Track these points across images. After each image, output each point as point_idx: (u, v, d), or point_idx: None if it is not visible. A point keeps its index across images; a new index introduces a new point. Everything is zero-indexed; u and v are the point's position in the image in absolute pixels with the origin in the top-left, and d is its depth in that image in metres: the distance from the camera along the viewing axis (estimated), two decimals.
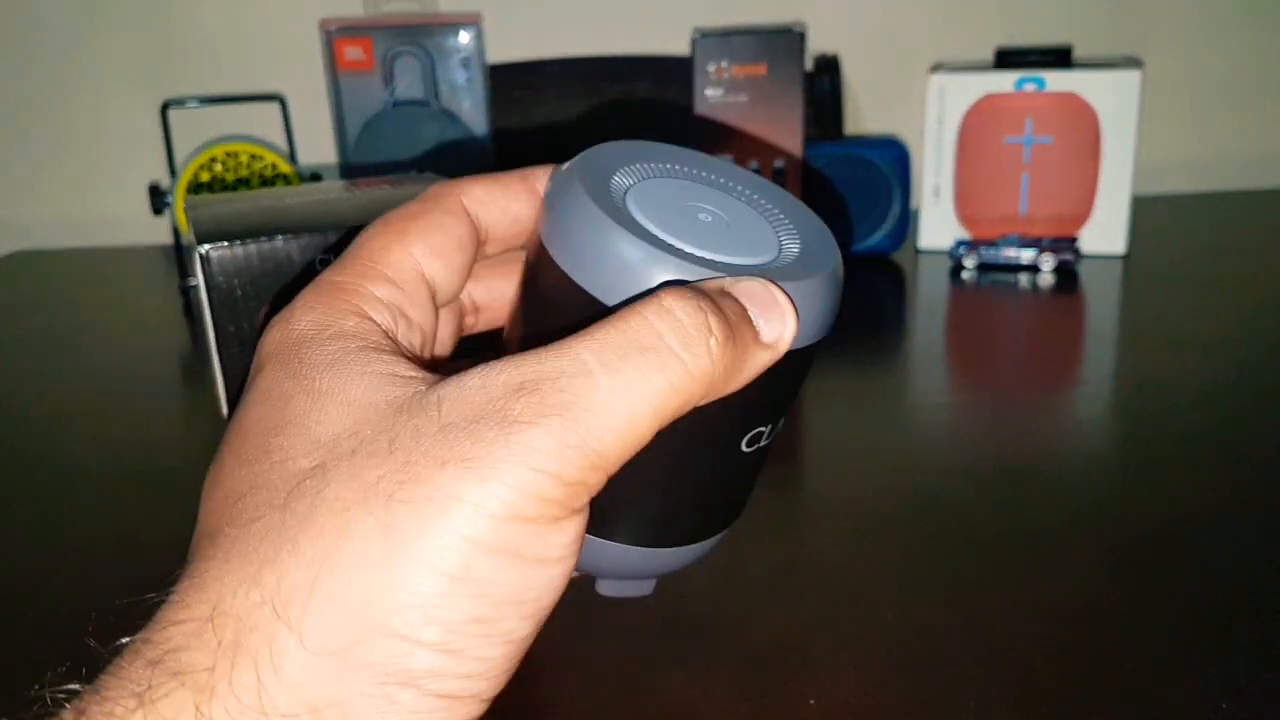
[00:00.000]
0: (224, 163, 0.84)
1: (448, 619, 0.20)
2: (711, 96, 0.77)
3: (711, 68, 0.77)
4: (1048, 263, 0.78)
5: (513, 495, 0.19)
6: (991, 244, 0.79)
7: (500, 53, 0.92)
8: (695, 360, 0.21)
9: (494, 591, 0.20)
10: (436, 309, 0.26)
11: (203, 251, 0.33)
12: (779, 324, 0.23)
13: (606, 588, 0.28)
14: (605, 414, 0.20)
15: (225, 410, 0.35)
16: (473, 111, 0.86)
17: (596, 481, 0.21)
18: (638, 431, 0.21)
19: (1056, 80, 0.79)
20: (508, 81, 0.93)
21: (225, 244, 0.33)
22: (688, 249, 0.24)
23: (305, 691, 0.19)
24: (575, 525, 0.21)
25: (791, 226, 0.27)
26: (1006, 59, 0.81)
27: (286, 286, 0.34)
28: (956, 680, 0.35)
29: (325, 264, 0.35)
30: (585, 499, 0.21)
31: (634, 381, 0.21)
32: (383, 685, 0.19)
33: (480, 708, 0.21)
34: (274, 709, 0.19)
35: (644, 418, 0.21)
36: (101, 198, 1.00)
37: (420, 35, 0.84)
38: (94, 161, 1.00)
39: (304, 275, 0.34)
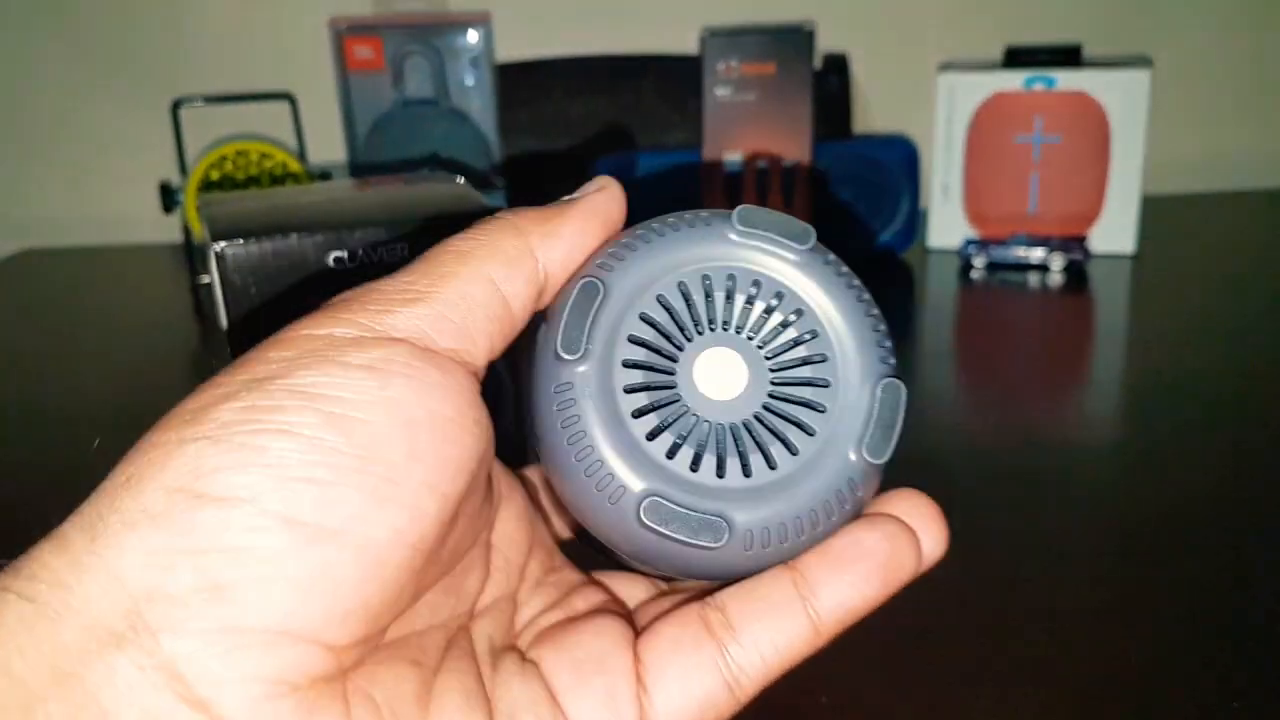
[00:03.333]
0: (234, 161, 0.84)
1: None
2: (720, 95, 0.77)
3: (720, 66, 0.77)
4: (1057, 262, 0.78)
5: None
6: (1001, 243, 0.79)
7: (509, 52, 0.92)
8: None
9: None
10: None
11: (218, 249, 0.33)
12: None
13: None
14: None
15: None
16: (482, 110, 0.86)
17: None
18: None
19: (1066, 79, 0.79)
20: (517, 80, 0.93)
21: (240, 241, 0.33)
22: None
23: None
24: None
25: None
26: (1016, 58, 0.81)
27: (300, 284, 0.34)
28: (966, 680, 0.35)
29: (340, 262, 0.35)
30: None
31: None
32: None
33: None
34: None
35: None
36: (111, 196, 1.01)
37: (430, 34, 0.85)
38: (104, 160, 1.00)
39: (318, 273, 0.34)
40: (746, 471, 0.24)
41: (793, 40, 0.76)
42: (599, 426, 0.24)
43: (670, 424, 0.24)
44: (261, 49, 0.97)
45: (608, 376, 0.24)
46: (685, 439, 0.24)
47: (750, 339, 0.25)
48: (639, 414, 0.24)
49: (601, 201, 0.25)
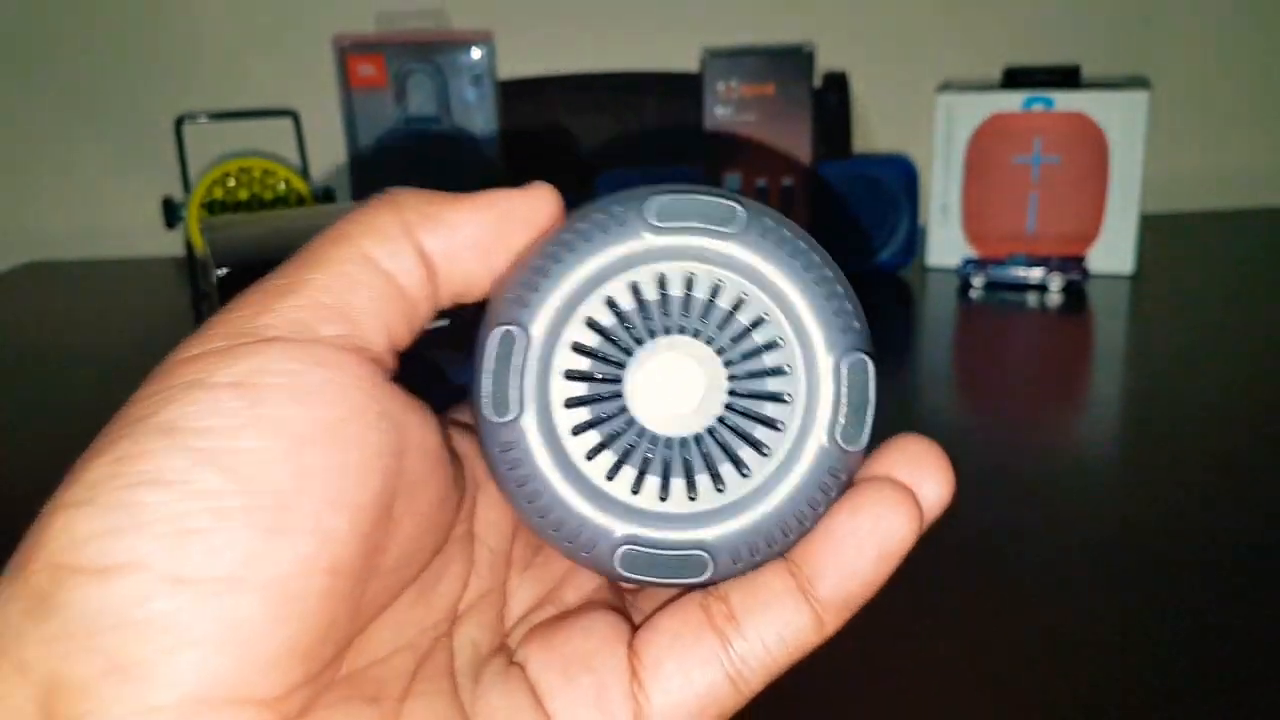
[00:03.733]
0: (237, 177, 0.85)
1: None
2: (721, 115, 0.78)
3: (721, 87, 0.77)
4: (1055, 282, 0.78)
5: None
6: (999, 262, 0.79)
7: (511, 69, 0.92)
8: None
9: None
10: None
11: (220, 274, 0.33)
12: None
13: None
14: None
15: None
16: (484, 128, 0.87)
17: None
18: None
19: (1064, 100, 0.79)
20: (519, 98, 0.93)
21: (243, 265, 0.34)
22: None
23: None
24: None
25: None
26: (1014, 78, 0.81)
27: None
28: (964, 705, 0.35)
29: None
30: None
31: None
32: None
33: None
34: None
35: None
36: (114, 210, 1.01)
37: (432, 52, 0.85)
38: (108, 174, 1.01)
39: None
40: (719, 485, 0.23)
41: (792, 61, 0.77)
42: (554, 480, 0.22)
43: (629, 454, 0.23)
44: (265, 66, 0.97)
45: (549, 423, 0.22)
46: (648, 466, 0.23)
47: (696, 338, 0.23)
48: (594, 453, 0.23)
49: (514, 201, 0.23)
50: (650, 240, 0.22)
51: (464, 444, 0.25)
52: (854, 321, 0.23)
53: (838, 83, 0.90)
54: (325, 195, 0.87)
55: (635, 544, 0.22)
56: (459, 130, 0.87)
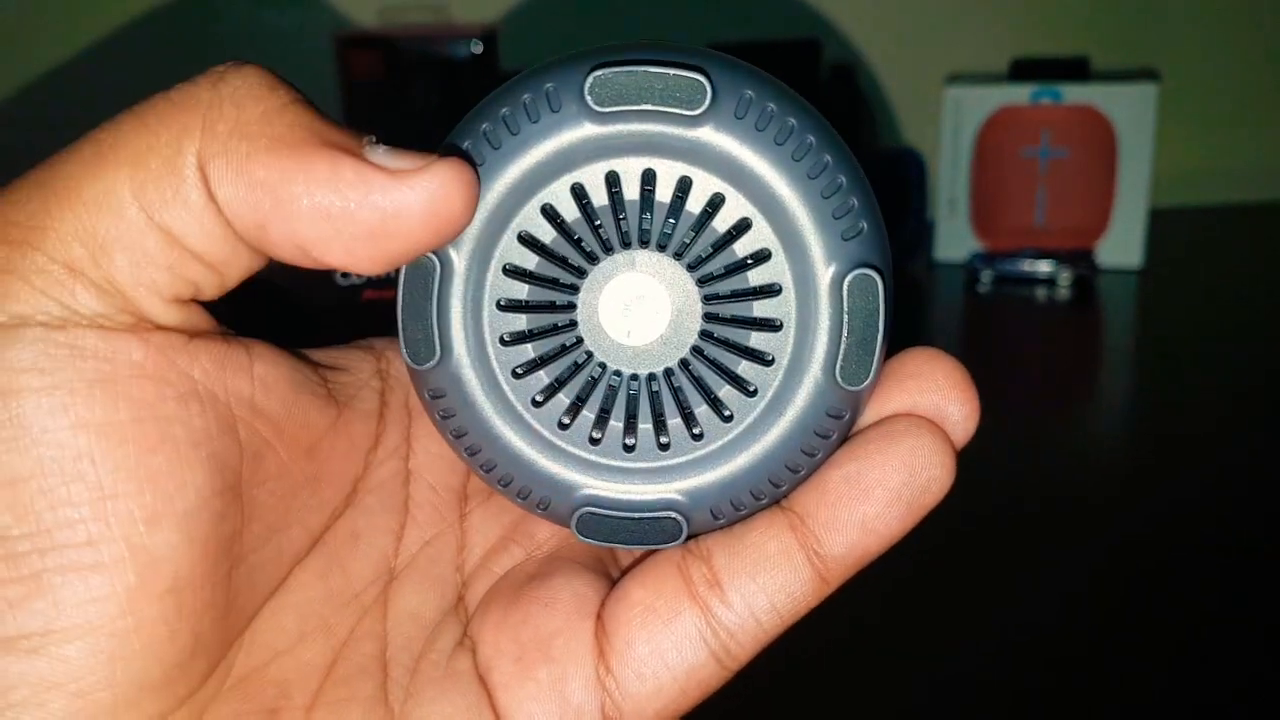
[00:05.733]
0: None
1: None
2: None
3: None
4: (1064, 276, 0.77)
5: None
6: (1008, 256, 0.79)
7: (513, 62, 0.92)
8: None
9: None
10: None
11: None
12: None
13: None
14: None
15: None
16: None
17: None
18: None
19: (1073, 93, 0.79)
20: None
21: None
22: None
23: None
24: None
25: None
26: (1022, 70, 0.81)
27: (308, 304, 0.34)
28: (968, 698, 0.34)
29: (345, 277, 0.34)
30: None
31: None
32: None
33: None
34: None
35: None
36: None
37: (434, 45, 0.84)
38: None
39: (326, 292, 0.34)
40: (695, 431, 0.19)
41: (799, 55, 0.76)
42: (496, 431, 0.19)
43: (586, 398, 0.19)
44: (265, 59, 0.97)
45: (486, 365, 0.19)
46: (610, 411, 0.19)
47: (662, 252, 0.18)
48: (543, 398, 0.19)
49: (390, 194, 0.16)
50: (592, 129, 0.17)
51: (388, 364, 0.21)
52: (861, 223, 0.18)
53: (845, 77, 0.89)
54: None
55: (595, 505, 0.19)
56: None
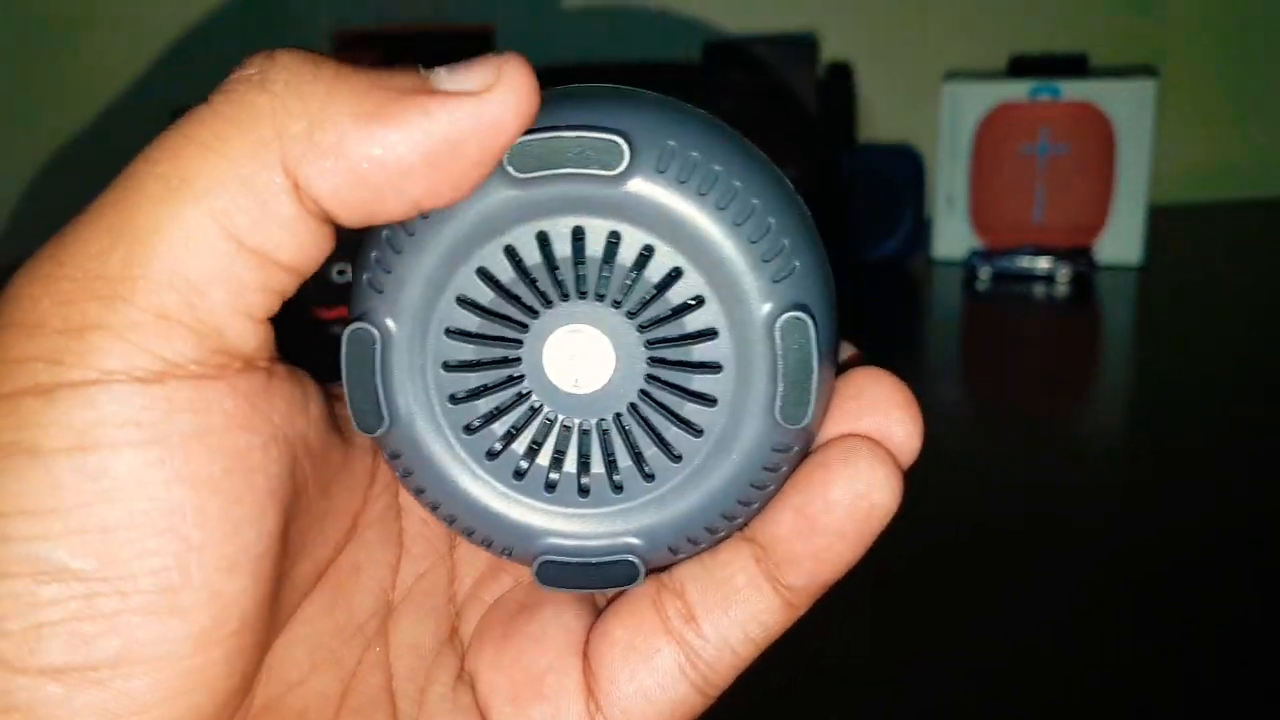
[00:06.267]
0: None
1: None
2: (723, 106, 0.77)
3: (723, 77, 0.77)
4: (1063, 273, 0.77)
5: None
6: (1006, 253, 0.79)
7: None
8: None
9: None
10: None
11: None
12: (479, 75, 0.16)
13: None
14: None
15: None
16: None
17: None
18: None
19: (1071, 89, 0.78)
20: None
21: None
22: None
23: None
24: None
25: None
26: (1020, 67, 0.81)
27: (305, 300, 0.34)
28: (968, 695, 0.34)
29: (341, 274, 0.34)
30: None
31: None
32: None
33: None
34: None
35: None
36: None
37: (431, 44, 0.84)
38: (103, 167, 1.00)
39: (323, 288, 0.34)
40: (646, 472, 0.19)
41: (796, 50, 0.76)
42: (452, 487, 0.19)
43: (538, 449, 0.19)
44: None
45: (436, 425, 0.19)
46: (561, 459, 0.19)
47: (600, 301, 0.18)
48: (496, 452, 0.19)
49: (469, 111, 0.16)
50: (516, 194, 0.18)
51: None
52: (794, 262, 0.18)
53: (842, 73, 0.89)
54: None
55: (553, 554, 0.19)
56: None
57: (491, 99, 0.16)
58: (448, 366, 0.19)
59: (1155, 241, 0.80)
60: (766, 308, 0.18)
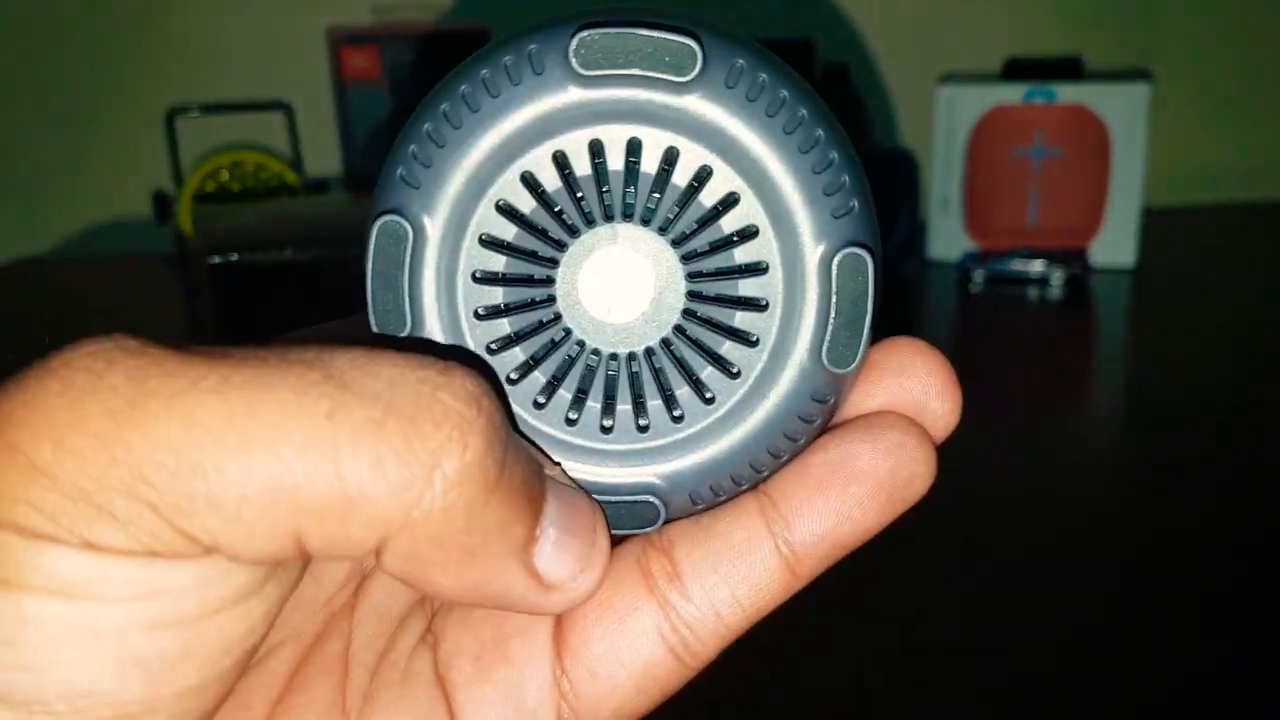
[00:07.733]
0: (230, 171, 0.84)
1: None
2: None
3: None
4: (1057, 275, 0.77)
5: None
6: (1000, 256, 0.79)
7: None
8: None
9: None
10: None
11: (213, 262, 0.33)
12: (573, 561, 0.17)
13: None
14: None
15: None
16: None
17: None
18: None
19: (1066, 92, 0.79)
20: None
21: (234, 255, 0.33)
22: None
23: None
24: None
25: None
26: (1015, 70, 0.81)
27: (294, 298, 0.34)
28: (962, 694, 0.34)
29: (333, 275, 0.34)
30: None
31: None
32: None
33: None
34: None
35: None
36: (105, 205, 1.00)
37: (427, 44, 0.84)
38: (98, 168, 1.00)
39: (312, 286, 0.34)
40: (675, 414, 0.18)
41: (792, 54, 0.76)
42: None
43: (563, 377, 0.18)
44: (258, 58, 0.96)
45: (460, 339, 0.18)
46: (587, 391, 0.18)
47: (645, 225, 0.18)
48: (518, 375, 0.18)
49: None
50: (577, 94, 0.17)
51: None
52: (852, 201, 0.17)
53: (838, 76, 0.89)
54: (318, 188, 0.86)
55: None
56: None
57: (569, 593, 0.17)
58: (478, 278, 0.18)
59: (1149, 244, 0.81)
60: (824, 243, 0.17)
